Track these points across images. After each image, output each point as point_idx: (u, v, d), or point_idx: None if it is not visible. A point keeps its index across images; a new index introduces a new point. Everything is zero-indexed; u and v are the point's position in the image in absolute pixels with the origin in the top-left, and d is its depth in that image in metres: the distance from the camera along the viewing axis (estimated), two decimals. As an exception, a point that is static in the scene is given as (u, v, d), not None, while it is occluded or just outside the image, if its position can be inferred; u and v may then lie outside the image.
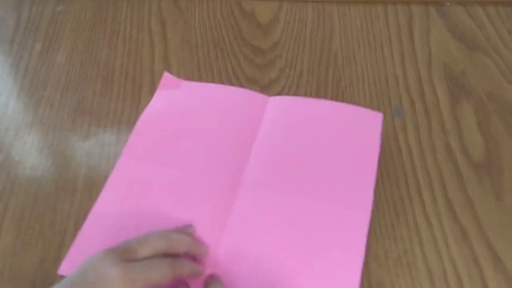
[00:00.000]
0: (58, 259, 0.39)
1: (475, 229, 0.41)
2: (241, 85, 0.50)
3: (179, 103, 0.48)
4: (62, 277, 0.37)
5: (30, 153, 0.45)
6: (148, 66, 0.52)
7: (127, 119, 0.47)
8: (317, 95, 0.50)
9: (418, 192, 0.43)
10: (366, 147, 0.44)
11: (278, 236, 0.39)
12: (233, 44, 0.54)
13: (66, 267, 0.37)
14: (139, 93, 0.50)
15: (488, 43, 0.54)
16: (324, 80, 0.51)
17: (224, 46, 0.54)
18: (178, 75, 0.51)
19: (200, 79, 0.51)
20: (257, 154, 0.44)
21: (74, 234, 0.40)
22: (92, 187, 0.43)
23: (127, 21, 0.56)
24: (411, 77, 0.51)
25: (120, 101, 0.49)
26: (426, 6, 0.58)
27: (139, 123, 0.46)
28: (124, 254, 0.32)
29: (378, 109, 0.49)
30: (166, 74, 0.50)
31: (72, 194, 0.42)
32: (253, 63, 0.52)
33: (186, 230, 0.38)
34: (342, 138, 0.45)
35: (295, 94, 0.50)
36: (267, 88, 0.50)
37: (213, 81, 0.51)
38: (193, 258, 0.37)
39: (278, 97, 0.48)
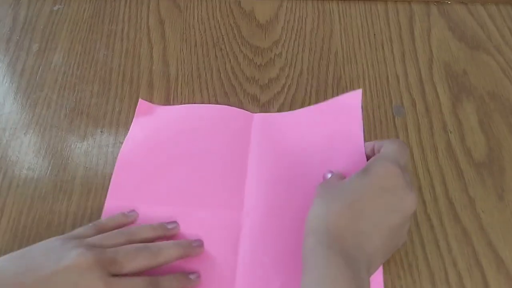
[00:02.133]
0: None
1: (476, 229, 0.41)
2: (240, 84, 0.50)
3: (160, 130, 0.45)
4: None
5: (27, 154, 0.45)
6: (146, 66, 0.52)
7: (124, 119, 0.47)
8: (317, 94, 0.49)
9: (419, 192, 0.43)
10: (352, 133, 0.43)
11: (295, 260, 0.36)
12: (233, 43, 0.54)
13: None
14: (137, 93, 0.49)
15: (490, 42, 0.54)
16: (324, 79, 0.51)
17: (223, 45, 0.54)
18: (177, 75, 0.51)
19: (199, 78, 0.50)
20: (253, 178, 0.41)
21: (71, 236, 0.39)
22: (89, 188, 0.42)
23: (125, 21, 0.56)
24: (412, 76, 0.51)
25: (117, 101, 0.49)
26: (427, 4, 0.58)
27: (120, 157, 0.43)
28: (110, 267, 0.32)
29: (378, 108, 0.48)
30: (141, 101, 0.47)
31: (69, 195, 0.42)
32: (253, 62, 0.52)
33: (173, 230, 0.38)
34: (329, 135, 0.44)
35: (295, 93, 0.49)
36: (266, 87, 0.50)
37: (212, 81, 0.50)
38: None
39: (262, 114, 0.47)
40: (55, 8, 0.57)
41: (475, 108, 0.49)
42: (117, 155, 0.44)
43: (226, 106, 0.47)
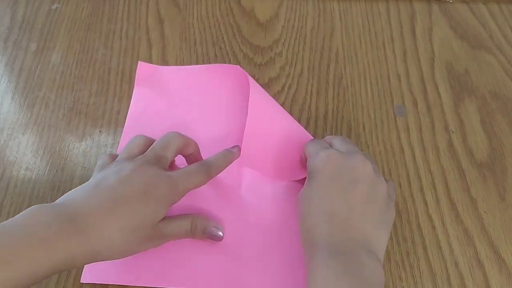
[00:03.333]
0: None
1: (478, 230, 0.40)
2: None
3: (162, 92, 0.47)
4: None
5: (24, 154, 0.45)
6: (146, 65, 0.51)
7: (123, 119, 0.47)
8: (318, 94, 0.49)
9: (420, 192, 0.42)
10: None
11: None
12: (232, 42, 0.53)
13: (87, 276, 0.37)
14: (136, 92, 0.49)
15: (491, 41, 0.54)
16: (325, 78, 0.50)
17: (223, 44, 0.53)
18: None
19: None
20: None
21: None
22: (88, 188, 0.42)
23: (123, 20, 0.56)
24: (413, 75, 0.51)
25: (116, 101, 0.48)
26: (428, 3, 0.58)
27: (127, 123, 0.45)
28: (159, 162, 0.36)
29: (380, 108, 0.48)
30: (140, 64, 0.49)
31: (67, 195, 0.42)
32: (253, 61, 0.52)
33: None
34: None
35: (296, 92, 0.49)
36: (267, 86, 0.49)
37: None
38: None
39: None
40: (53, 7, 0.57)
41: (477, 107, 0.48)
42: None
43: (221, 64, 0.50)
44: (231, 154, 0.39)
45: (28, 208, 0.31)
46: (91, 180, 0.35)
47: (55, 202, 0.33)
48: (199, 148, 0.40)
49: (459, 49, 0.53)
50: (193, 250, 0.38)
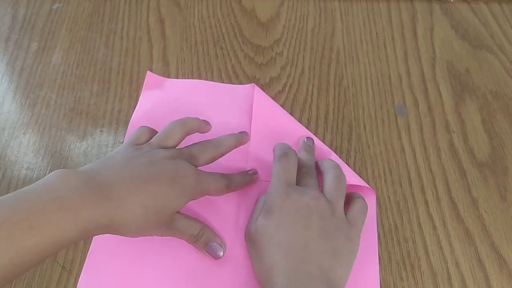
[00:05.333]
0: (54, 261, 0.38)
1: (479, 230, 0.40)
2: (241, 84, 0.50)
3: (167, 103, 0.47)
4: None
5: (26, 154, 0.45)
6: (146, 65, 0.51)
7: (124, 119, 0.47)
8: (319, 93, 0.49)
9: (421, 192, 0.42)
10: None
11: None
12: (233, 42, 0.53)
13: None
14: (137, 93, 0.49)
15: (492, 41, 0.54)
16: (326, 78, 0.50)
17: (224, 44, 0.53)
18: (177, 74, 0.50)
19: (199, 77, 0.50)
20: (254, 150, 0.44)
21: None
22: (89, 188, 0.42)
23: (124, 19, 0.56)
24: (414, 75, 0.51)
25: (117, 101, 0.48)
26: (429, 2, 0.58)
27: (130, 128, 0.45)
28: (191, 160, 0.37)
29: (381, 107, 0.48)
30: (149, 74, 0.49)
31: (69, 195, 0.42)
32: (254, 61, 0.52)
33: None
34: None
35: (296, 92, 0.49)
36: (267, 86, 0.49)
37: (212, 80, 0.50)
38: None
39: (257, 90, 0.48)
40: (55, 6, 0.57)
41: (478, 107, 0.48)
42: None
43: (231, 85, 0.49)
44: (250, 177, 0.41)
45: (54, 172, 0.31)
46: (122, 153, 0.36)
47: (80, 168, 0.33)
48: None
49: (460, 48, 0.53)
50: (194, 275, 0.38)
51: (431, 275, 0.38)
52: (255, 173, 0.42)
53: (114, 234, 0.33)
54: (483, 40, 0.54)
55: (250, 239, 0.37)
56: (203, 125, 0.41)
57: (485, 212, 0.41)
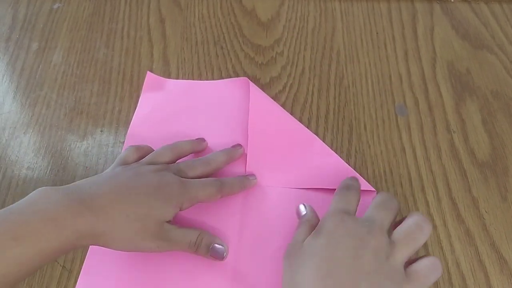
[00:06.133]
0: (55, 262, 0.38)
1: (479, 230, 0.40)
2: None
3: (167, 104, 0.47)
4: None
5: (26, 153, 0.45)
6: (147, 65, 0.51)
7: (124, 119, 0.47)
8: (319, 93, 0.49)
9: (422, 192, 0.42)
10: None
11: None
12: (234, 42, 0.53)
13: None
14: (137, 92, 0.49)
15: (493, 41, 0.54)
16: (327, 78, 0.50)
17: (224, 44, 0.53)
18: (178, 74, 0.50)
19: (200, 77, 0.50)
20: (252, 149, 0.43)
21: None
22: (89, 188, 0.42)
23: (125, 19, 0.56)
24: (414, 75, 0.51)
25: (117, 101, 0.48)
26: (430, 2, 0.58)
27: (130, 131, 0.45)
28: (179, 173, 0.37)
29: (381, 107, 0.48)
30: (149, 74, 0.49)
31: (69, 195, 0.42)
32: (254, 61, 0.52)
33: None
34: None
35: (297, 92, 0.49)
36: (268, 86, 0.49)
37: (213, 80, 0.50)
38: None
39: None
40: (55, 6, 0.57)
41: (478, 107, 0.48)
42: (117, 154, 0.44)
43: (224, 80, 0.49)
44: (247, 181, 0.41)
45: (36, 190, 0.32)
46: (108, 172, 0.36)
47: (63, 186, 0.33)
48: None
49: (460, 48, 0.53)
50: (194, 276, 0.37)
51: (432, 275, 0.38)
52: (255, 178, 0.41)
53: (103, 246, 0.33)
54: (484, 40, 0.54)
55: (289, 255, 0.34)
56: (196, 145, 0.42)
57: (486, 212, 0.41)
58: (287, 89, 0.49)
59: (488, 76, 0.51)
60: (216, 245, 0.37)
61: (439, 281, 0.38)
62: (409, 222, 0.32)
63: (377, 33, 0.55)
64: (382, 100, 0.49)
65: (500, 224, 0.41)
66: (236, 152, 0.42)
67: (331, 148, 0.44)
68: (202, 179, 0.38)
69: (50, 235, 0.30)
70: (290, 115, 0.45)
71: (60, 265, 0.38)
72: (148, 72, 0.49)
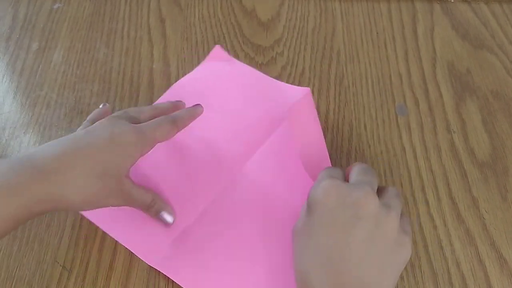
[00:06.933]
0: (55, 261, 0.38)
1: (480, 230, 0.40)
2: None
3: (220, 80, 0.47)
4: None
5: (26, 154, 0.45)
6: (147, 65, 0.51)
7: (125, 118, 0.47)
8: (319, 93, 0.49)
9: (422, 192, 0.42)
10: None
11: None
12: (234, 42, 0.53)
13: None
14: (137, 92, 0.49)
15: (493, 41, 0.54)
16: (327, 78, 0.50)
17: (224, 44, 0.53)
18: (178, 74, 0.50)
19: (199, 77, 0.50)
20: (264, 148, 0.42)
21: (71, 236, 0.39)
22: (89, 188, 0.42)
23: (125, 19, 0.56)
24: (414, 75, 0.51)
25: (117, 101, 0.48)
26: (430, 2, 0.58)
27: (174, 86, 0.47)
28: (129, 121, 0.36)
29: (381, 107, 0.48)
30: (217, 47, 0.51)
31: (69, 195, 0.42)
32: (254, 61, 0.52)
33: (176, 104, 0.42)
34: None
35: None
36: (268, 86, 0.49)
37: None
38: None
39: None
40: (55, 6, 0.57)
41: (478, 107, 0.48)
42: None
43: (286, 84, 0.48)
44: (194, 110, 0.40)
45: None
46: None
47: (17, 154, 0.33)
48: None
49: (460, 48, 0.53)
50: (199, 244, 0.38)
51: (432, 275, 0.38)
52: (200, 107, 0.40)
53: (65, 210, 0.33)
54: (484, 40, 0.54)
55: (293, 236, 0.34)
56: (176, 106, 0.41)
57: (486, 212, 0.41)
58: (287, 89, 0.49)
59: (488, 76, 0.51)
60: (165, 213, 0.38)
61: (439, 281, 0.38)
62: (391, 188, 0.34)
63: (377, 33, 0.55)
64: (382, 100, 0.49)
65: (500, 224, 0.41)
66: (196, 109, 0.40)
67: (331, 148, 0.44)
68: (153, 120, 0.37)
69: (4, 200, 0.28)
70: (323, 141, 0.44)
71: (60, 265, 0.38)
72: (216, 46, 0.51)
